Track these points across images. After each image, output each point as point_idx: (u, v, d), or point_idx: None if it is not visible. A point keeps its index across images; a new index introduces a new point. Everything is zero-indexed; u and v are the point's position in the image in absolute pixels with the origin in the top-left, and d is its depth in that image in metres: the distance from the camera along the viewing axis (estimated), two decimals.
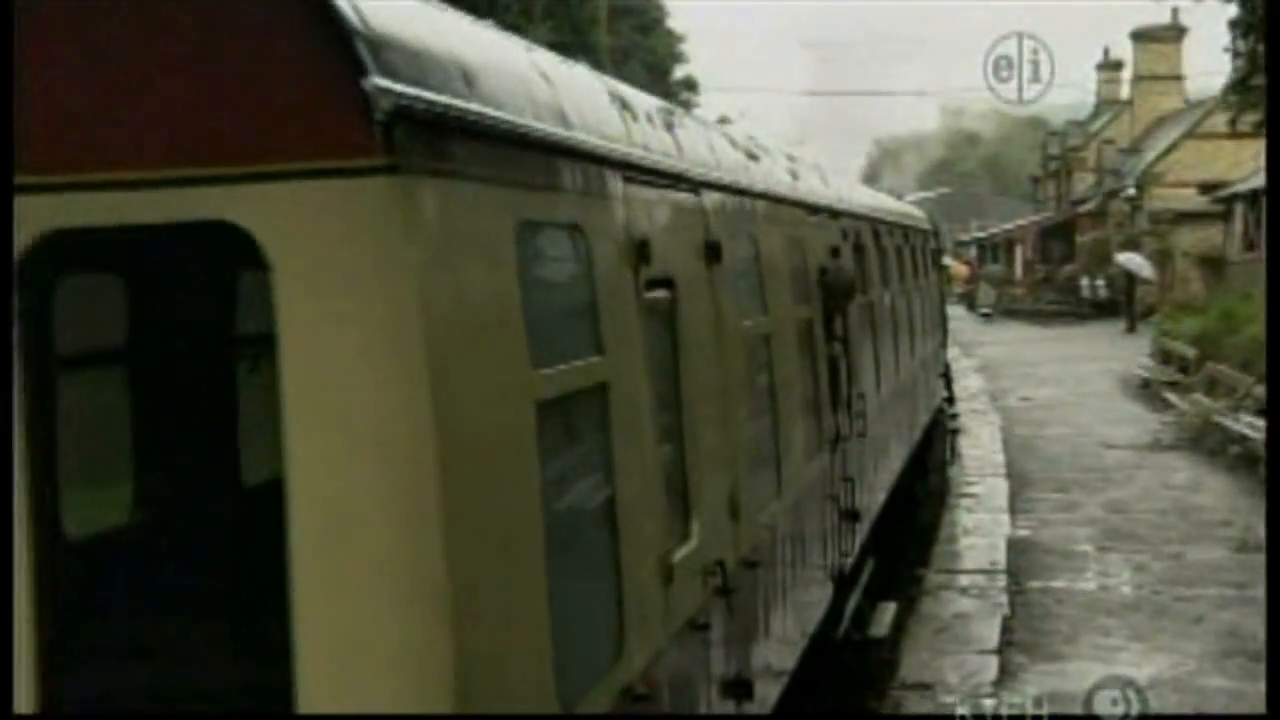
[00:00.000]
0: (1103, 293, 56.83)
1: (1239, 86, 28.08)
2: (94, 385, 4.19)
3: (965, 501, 18.01)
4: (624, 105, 5.16)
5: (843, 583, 9.43)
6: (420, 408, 2.96)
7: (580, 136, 4.28)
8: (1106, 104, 74.14)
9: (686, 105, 65.79)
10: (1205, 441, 22.34)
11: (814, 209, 9.39)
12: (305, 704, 2.96)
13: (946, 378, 22.10)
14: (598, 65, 40.78)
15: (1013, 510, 17.29)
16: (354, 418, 2.97)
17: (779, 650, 6.93)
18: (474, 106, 3.40)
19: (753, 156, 7.90)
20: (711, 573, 5.42)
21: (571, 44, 39.56)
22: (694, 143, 6.25)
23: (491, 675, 3.21)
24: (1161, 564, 14.45)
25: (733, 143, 7.66)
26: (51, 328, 3.43)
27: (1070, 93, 69.22)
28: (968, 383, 31.91)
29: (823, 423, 8.77)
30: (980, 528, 16.32)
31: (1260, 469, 18.53)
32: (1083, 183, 69.66)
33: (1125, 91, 71.70)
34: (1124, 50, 71.57)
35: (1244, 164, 45.49)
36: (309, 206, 2.94)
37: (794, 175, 9.28)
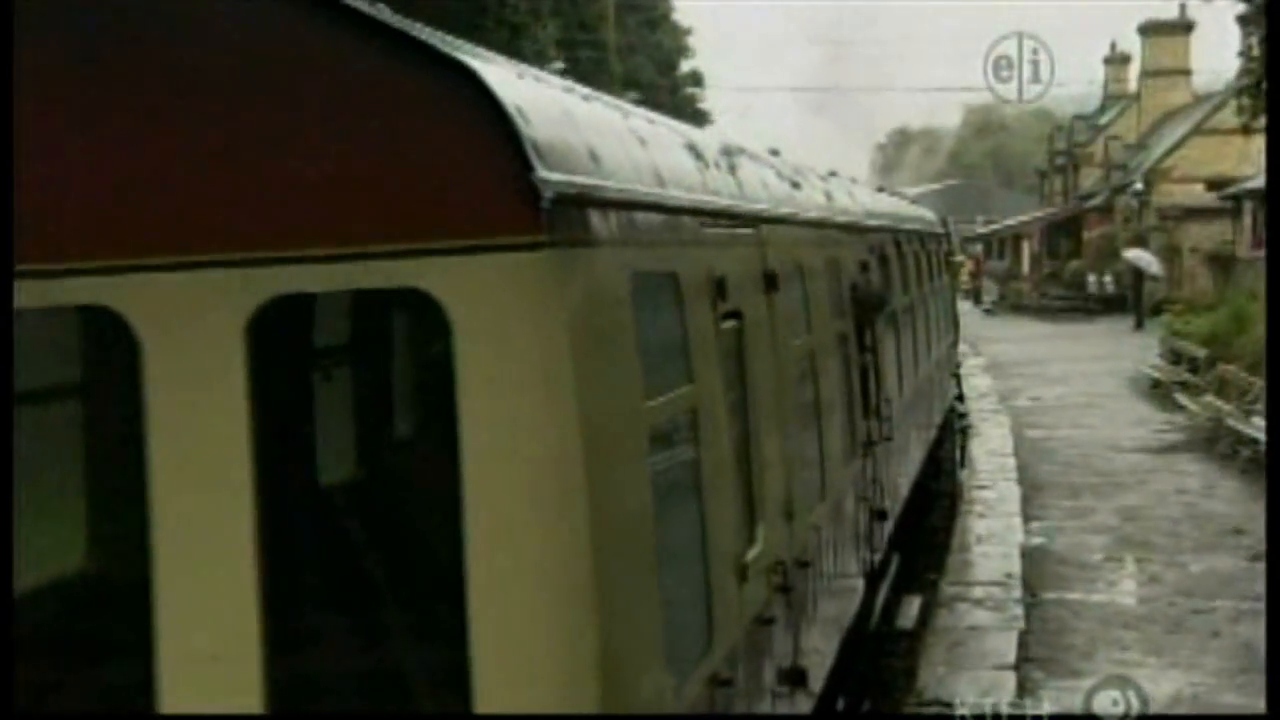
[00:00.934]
0: (1110, 289, 56.72)
1: (1253, 90, 27.95)
2: (287, 407, 4.85)
3: (978, 507, 17.95)
4: (697, 154, 5.81)
5: (872, 578, 9.98)
6: (571, 438, 3.59)
7: (672, 193, 4.95)
8: (1113, 98, 74.00)
9: (692, 100, 65.66)
10: (1217, 445, 22.28)
11: (847, 229, 10.01)
12: (480, 682, 3.56)
13: (956, 375, 22.46)
14: (605, 61, 40.57)
15: (1025, 517, 17.23)
16: (516, 444, 3.59)
17: (824, 641, 7.47)
18: (601, 182, 4.06)
19: (796, 185, 8.55)
20: (774, 572, 6.01)
21: (580, 41, 39.51)
22: (751, 179, 6.89)
23: (624, 662, 3.79)
24: (1176, 574, 14.39)
25: (779, 173, 8.22)
26: (279, 361, 3.96)
27: (1077, 85, 69.12)
28: (977, 382, 31.83)
29: (856, 429, 9.36)
30: (993, 535, 16.26)
31: None
32: (1089, 178, 69.52)
33: (1132, 86, 71.55)
34: (1131, 44, 71.50)
35: (1253, 159, 45.32)
36: (483, 275, 3.56)
37: (829, 196, 9.96)
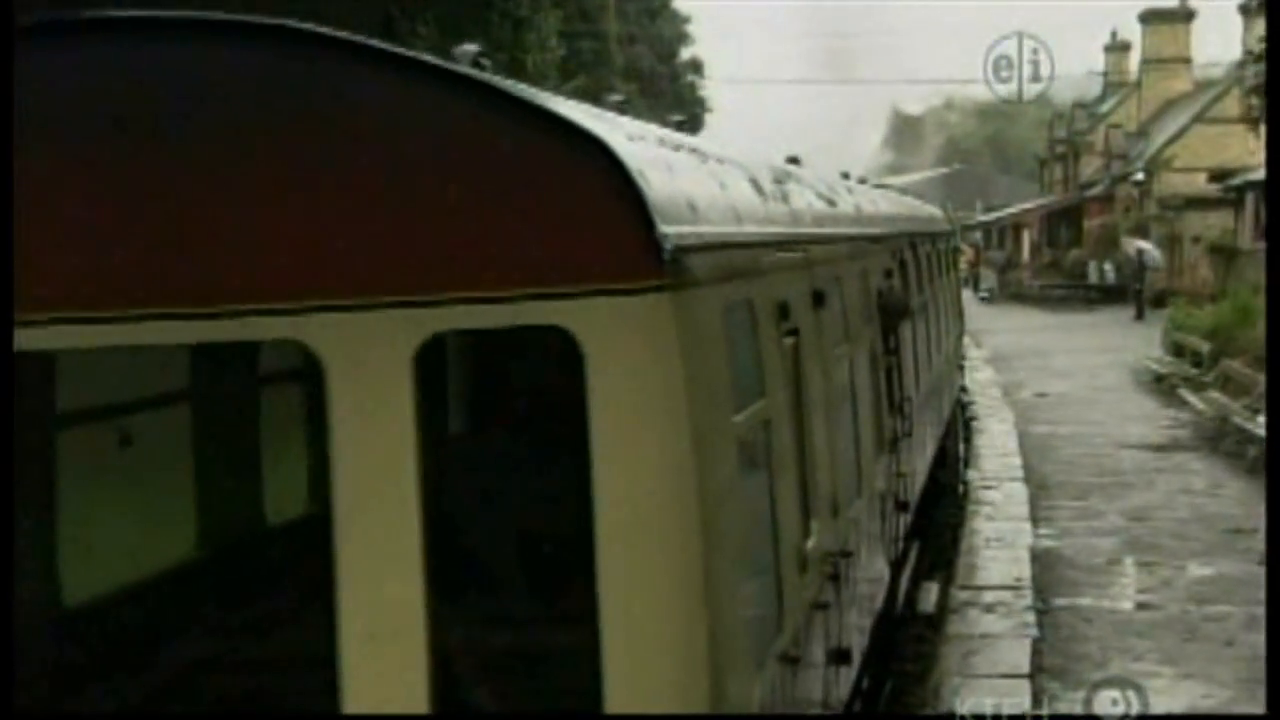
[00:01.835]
0: (1110, 278, 56.69)
1: (1261, 91, 27.89)
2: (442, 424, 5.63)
3: (985, 509, 17.91)
4: (758, 187, 6.56)
5: (895, 566, 10.65)
6: (684, 450, 4.25)
7: (747, 229, 5.67)
8: (1114, 86, 73.86)
9: (693, 87, 65.48)
10: (1222, 442, 22.26)
11: (874, 239, 10.70)
12: (609, 657, 4.20)
13: (961, 367, 23.04)
14: (605, 51, 40.27)
15: (1033, 519, 17.20)
16: (639, 454, 4.24)
17: (861, 624, 8.16)
18: (700, 230, 4.77)
19: (832, 203, 9.23)
20: (825, 562, 6.71)
21: (581, 32, 39.36)
22: (799, 204, 7.61)
23: (724, 641, 4.41)
24: (1187, 578, 14.37)
25: (817, 193, 8.84)
26: (435, 392, 4.70)
27: (1077, 72, 68.99)
28: (980, 376, 31.82)
29: (884, 428, 10.06)
30: (1002, 538, 16.21)
31: None
32: (1090, 166, 69.42)
33: (1133, 74, 71.40)
34: (1132, 32, 71.30)
35: (1256, 150, 45.21)
36: (613, 314, 4.22)
37: (858, 209, 10.67)
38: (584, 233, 4.25)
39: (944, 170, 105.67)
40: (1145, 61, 67.98)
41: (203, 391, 6.32)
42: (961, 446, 20.88)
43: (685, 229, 4.52)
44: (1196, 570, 14.68)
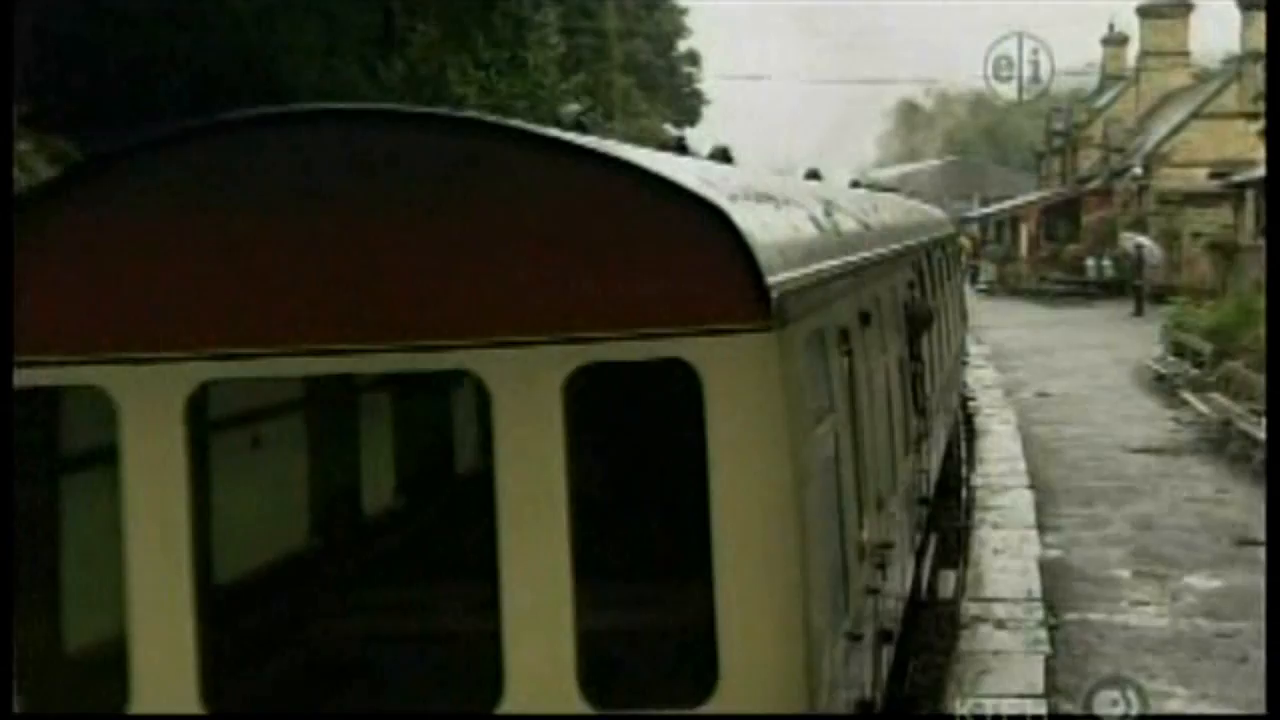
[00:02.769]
0: (1109, 273, 56.67)
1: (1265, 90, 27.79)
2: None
3: (991, 515, 17.83)
4: (818, 224, 7.50)
5: (918, 555, 11.51)
6: (785, 464, 5.12)
7: (817, 266, 6.44)
8: (1111, 79, 73.76)
9: (689, 79, 65.34)
10: (1227, 446, 22.21)
11: (900, 254, 11.53)
12: (723, 638, 5.03)
13: (964, 362, 23.50)
14: (604, 48, 40.07)
15: (1040, 527, 17.14)
16: (748, 467, 5.08)
17: (895, 608, 9.00)
18: (792, 276, 5.63)
19: (866, 225, 10.00)
20: (875, 552, 7.55)
21: (580, 28, 39.23)
22: (847, 233, 8.52)
23: (814, 624, 5.23)
24: (1197, 592, 14.33)
25: (856, 219, 9.62)
26: (576, 420, 5.30)
27: (1074, 64, 68.84)
28: (981, 374, 31.74)
29: (910, 429, 10.93)
30: (1009, 547, 16.14)
31: None
32: (1088, 159, 69.33)
33: (1130, 66, 71.29)
34: (1129, 25, 71.19)
35: (1256, 145, 45.09)
36: (727, 350, 5.08)
37: (886, 227, 11.47)
38: (704, 283, 5.12)
39: (938, 162, 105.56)
40: (1143, 55, 67.90)
41: (314, 401, 7.33)
42: (963, 447, 20.89)
43: (782, 277, 5.40)
44: (1206, 583, 14.62)
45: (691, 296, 5.09)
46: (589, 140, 5.72)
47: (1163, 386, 29.39)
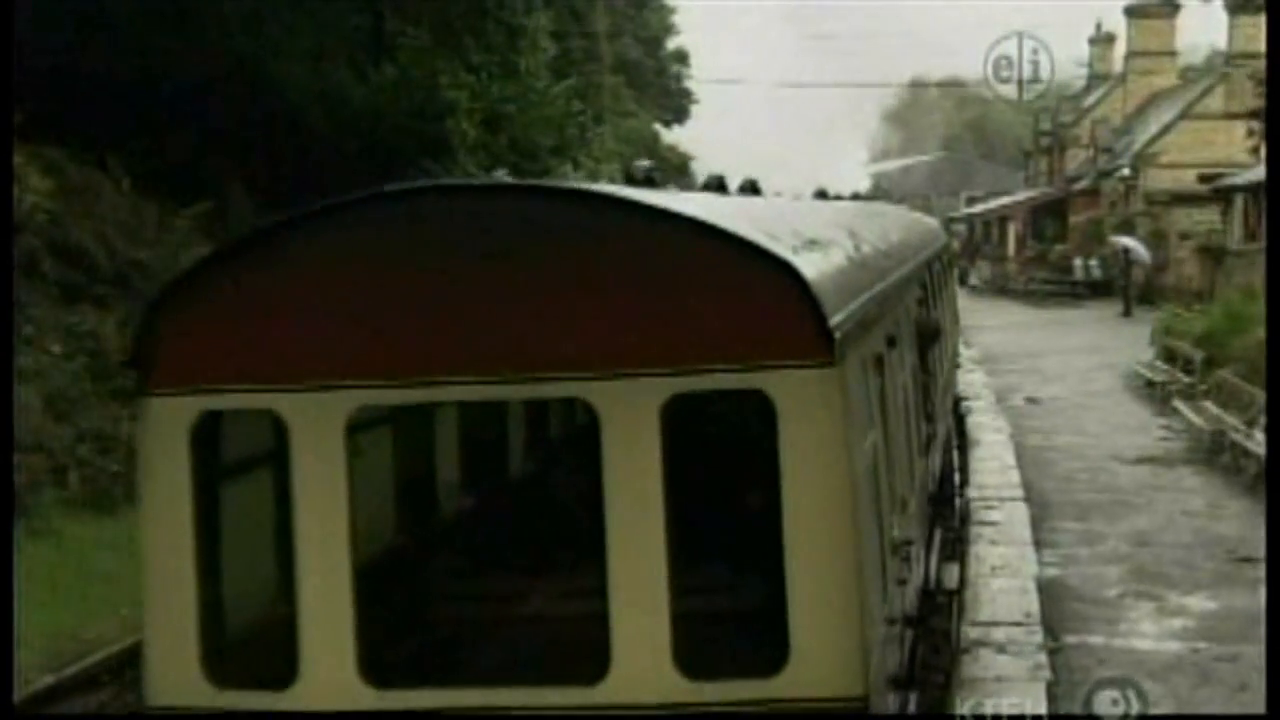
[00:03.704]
0: (1096, 273, 56.74)
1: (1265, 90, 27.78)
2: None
3: (987, 531, 17.79)
4: (850, 259, 8.43)
5: (926, 549, 12.31)
6: (845, 477, 6.06)
7: (861, 299, 7.35)
8: (1099, 78, 73.81)
9: (678, 78, 65.22)
10: (1220, 456, 22.22)
11: (912, 273, 12.48)
12: (793, 620, 5.97)
13: (958, 366, 24.10)
14: (595, 49, 39.81)
15: (1036, 544, 17.11)
16: (815, 479, 6.02)
17: (915, 597, 9.92)
18: (849, 315, 6.59)
19: (886, 254, 10.92)
20: (902, 548, 8.37)
21: (572, 30, 39.11)
22: (873, 261, 9.54)
23: (866, 610, 6.14)
24: (1194, 613, 14.31)
25: (875, 246, 10.47)
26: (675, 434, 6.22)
27: (1061, 60, 68.87)
28: (972, 378, 31.70)
29: (921, 434, 11.86)
30: (1007, 565, 16.09)
31: None
32: (1075, 159, 69.39)
33: (1118, 66, 71.36)
34: (1117, 24, 71.23)
35: (1243, 146, 45.10)
36: (798, 382, 6.04)
37: (896, 247, 12.40)
38: (777, 326, 6.06)
39: (927, 159, 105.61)
40: (1130, 55, 67.96)
41: (398, 417, 8.23)
42: (955, 455, 20.90)
43: (839, 318, 6.30)
44: (1204, 604, 14.61)
45: (768, 337, 6.05)
46: (683, 205, 6.59)
47: (1153, 394, 29.39)
